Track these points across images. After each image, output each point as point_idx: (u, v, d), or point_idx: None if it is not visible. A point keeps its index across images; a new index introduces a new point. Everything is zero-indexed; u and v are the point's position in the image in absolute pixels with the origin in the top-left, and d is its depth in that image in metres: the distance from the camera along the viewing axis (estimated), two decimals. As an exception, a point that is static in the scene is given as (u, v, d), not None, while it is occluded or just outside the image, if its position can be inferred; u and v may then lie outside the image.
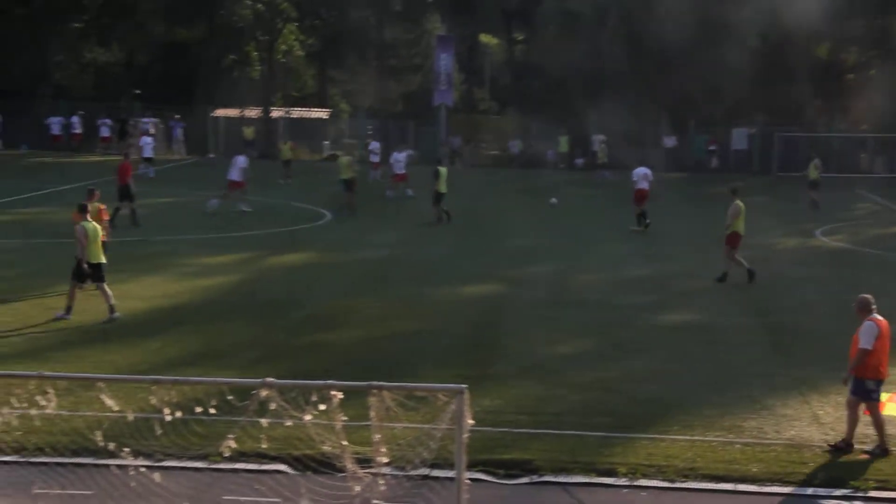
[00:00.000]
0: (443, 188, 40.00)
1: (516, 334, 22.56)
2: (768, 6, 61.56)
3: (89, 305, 23.84)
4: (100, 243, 23.28)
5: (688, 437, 15.99)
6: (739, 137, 68.20)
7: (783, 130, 64.94)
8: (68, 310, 22.83)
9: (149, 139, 55.97)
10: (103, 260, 23.28)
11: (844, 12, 66.59)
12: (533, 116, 71.04)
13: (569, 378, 19.08)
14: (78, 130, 67.46)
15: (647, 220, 38.38)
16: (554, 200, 45.41)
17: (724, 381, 19.12)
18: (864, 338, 15.52)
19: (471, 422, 11.46)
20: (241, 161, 41.51)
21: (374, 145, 58.23)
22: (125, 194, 36.20)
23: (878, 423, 15.60)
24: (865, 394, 15.57)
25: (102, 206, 26.12)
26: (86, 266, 22.85)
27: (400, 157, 47.62)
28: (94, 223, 23.41)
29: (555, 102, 67.89)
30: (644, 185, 39.01)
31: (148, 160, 53.90)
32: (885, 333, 15.59)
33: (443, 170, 40.54)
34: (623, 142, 62.93)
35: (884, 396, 15.64)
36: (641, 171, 39.56)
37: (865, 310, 15.72)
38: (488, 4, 74.31)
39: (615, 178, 54.29)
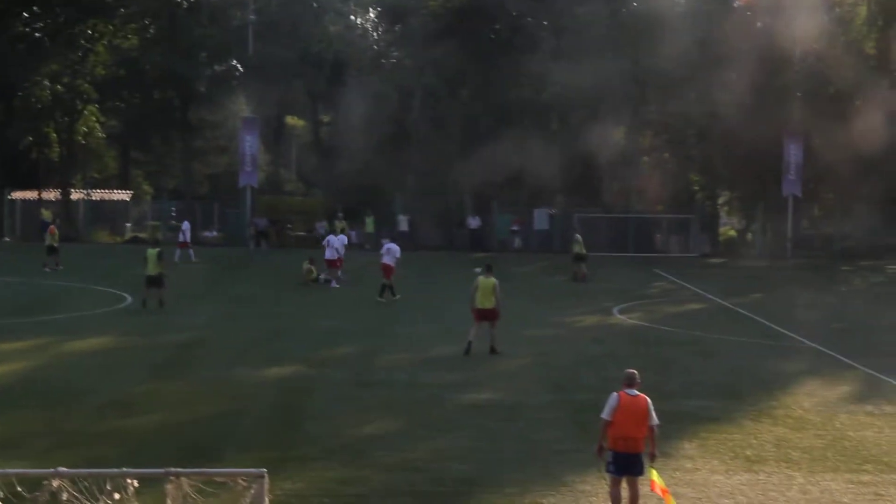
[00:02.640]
0: (150, 271, 37.98)
1: (321, 415, 22.44)
2: (565, 91, 63.38)
3: None
4: None
5: (490, 516, 16.12)
6: (541, 218, 69.63)
7: (582, 211, 66.62)
8: None
9: None
10: None
11: (638, 99, 69.20)
12: (339, 197, 71.34)
13: (374, 459, 19.06)
14: None
15: (395, 296, 41.08)
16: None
17: (525, 458, 19.37)
18: (604, 409, 15.89)
19: (270, 506, 11.35)
20: None
21: (186, 225, 57.58)
22: None
23: (634, 496, 15.89)
24: (608, 465, 15.84)
25: None
26: None
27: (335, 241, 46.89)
28: None
29: (360, 184, 68.27)
30: (388, 260, 41.67)
31: None
32: (624, 406, 15.67)
33: (150, 252, 38.65)
34: (428, 222, 63.71)
35: (653, 474, 15.91)
36: (387, 246, 42.73)
37: (623, 383, 16.05)
38: (294, 87, 74.58)
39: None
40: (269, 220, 68.28)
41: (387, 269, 41.56)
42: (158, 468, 11.60)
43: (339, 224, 60.46)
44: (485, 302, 29.86)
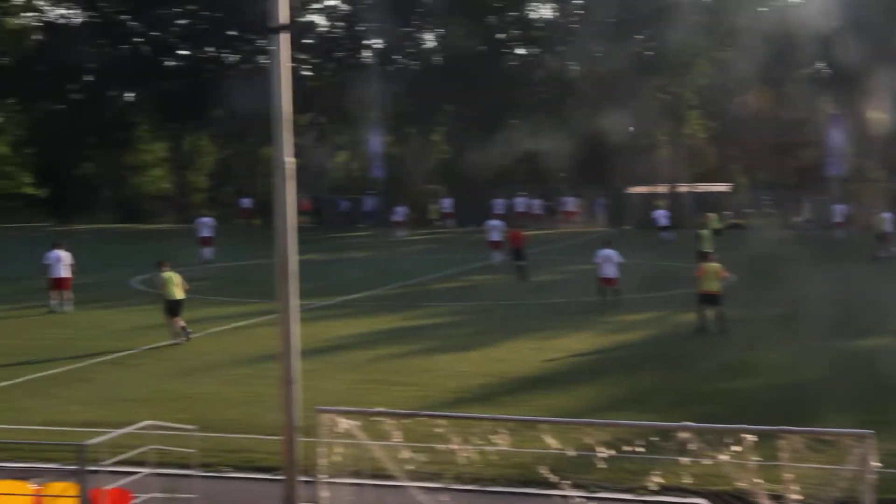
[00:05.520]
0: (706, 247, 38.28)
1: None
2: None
3: (522, 357, 24.50)
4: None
5: None
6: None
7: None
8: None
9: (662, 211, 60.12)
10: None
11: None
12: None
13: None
14: (521, 210, 69.88)
15: None
16: None
17: None
18: None
19: (876, 464, 10.84)
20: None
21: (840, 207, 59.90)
22: (517, 256, 39.89)
23: None
24: None
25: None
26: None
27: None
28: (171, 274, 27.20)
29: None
30: None
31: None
32: None
33: (705, 232, 40.60)
34: None
35: None
36: None
37: None
38: (874, 85, 70.72)
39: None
40: (854, 207, 65.30)
41: None
42: (766, 426, 11.47)
43: None
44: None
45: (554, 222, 69.53)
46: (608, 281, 31.98)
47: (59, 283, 32.25)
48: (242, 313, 31.48)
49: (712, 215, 52.27)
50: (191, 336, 26.80)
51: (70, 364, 23.89)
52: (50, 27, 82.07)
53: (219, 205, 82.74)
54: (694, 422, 11.99)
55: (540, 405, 19.42)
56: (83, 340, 27.16)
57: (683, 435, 11.26)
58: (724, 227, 49.90)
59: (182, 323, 26.86)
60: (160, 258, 28.71)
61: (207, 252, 46.05)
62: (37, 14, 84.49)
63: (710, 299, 27.51)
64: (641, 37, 75.11)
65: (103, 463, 11.89)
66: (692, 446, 11.21)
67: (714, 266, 27.83)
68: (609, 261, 32.01)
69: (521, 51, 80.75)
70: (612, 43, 73.34)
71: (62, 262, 32.41)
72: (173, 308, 26.86)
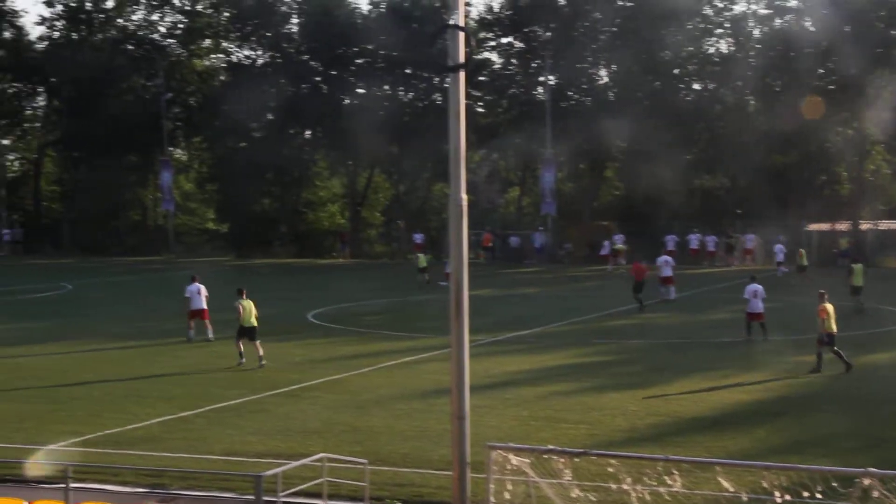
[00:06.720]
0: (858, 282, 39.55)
1: None
2: None
3: (694, 396, 23.98)
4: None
5: None
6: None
7: None
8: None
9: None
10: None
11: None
12: None
13: None
14: (695, 247, 68.78)
15: None
16: None
17: None
18: None
19: None
20: None
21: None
22: (637, 289, 41.22)
23: None
24: None
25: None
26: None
27: None
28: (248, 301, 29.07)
29: None
30: None
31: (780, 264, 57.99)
32: None
33: (857, 266, 40.31)
34: None
35: None
36: None
37: None
38: None
39: None
40: None
41: None
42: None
43: None
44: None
45: (729, 259, 68.03)
46: (755, 315, 32.24)
47: (198, 314, 33.94)
48: (415, 348, 31.84)
49: (802, 251, 52.54)
50: (263, 364, 28.27)
51: (248, 395, 24.58)
52: (235, 68, 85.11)
53: (391, 240, 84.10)
54: (877, 468, 11.57)
55: (712, 446, 19.04)
56: (260, 372, 27.92)
57: (866, 481, 10.87)
58: (807, 265, 49.74)
59: (260, 350, 28.55)
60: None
61: (670, 291, 45.53)
62: (223, 56, 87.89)
63: (831, 340, 26.76)
64: (822, 71, 73.17)
65: (279, 494, 12.17)
66: (875, 493, 10.81)
67: (831, 306, 27.15)
68: (756, 296, 32.19)
69: (697, 86, 79.74)
70: (791, 76, 71.78)
71: (201, 294, 34.05)
72: (246, 333, 28.92)
